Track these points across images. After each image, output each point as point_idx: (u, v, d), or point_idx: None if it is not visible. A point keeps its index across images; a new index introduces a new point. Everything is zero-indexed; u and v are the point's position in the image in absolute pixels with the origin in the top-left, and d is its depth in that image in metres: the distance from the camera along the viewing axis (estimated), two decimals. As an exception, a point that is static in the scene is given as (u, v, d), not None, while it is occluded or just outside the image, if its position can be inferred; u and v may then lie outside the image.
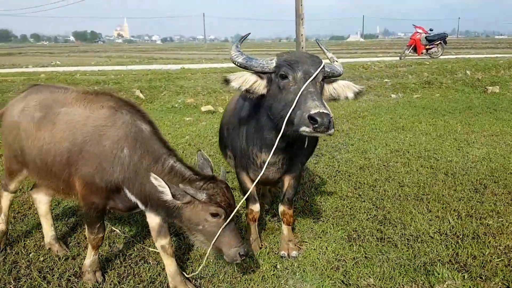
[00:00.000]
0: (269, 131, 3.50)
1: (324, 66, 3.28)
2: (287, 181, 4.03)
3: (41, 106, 3.54)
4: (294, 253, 4.06)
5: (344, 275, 3.77)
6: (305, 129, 2.94)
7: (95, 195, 3.33)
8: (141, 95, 12.68)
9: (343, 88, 3.52)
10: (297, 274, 3.77)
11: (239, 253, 3.13)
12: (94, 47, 71.81)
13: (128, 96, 12.50)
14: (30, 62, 23.23)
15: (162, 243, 3.53)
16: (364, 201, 5.35)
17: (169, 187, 2.98)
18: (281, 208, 4.15)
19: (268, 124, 3.49)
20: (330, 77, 3.45)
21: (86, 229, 3.56)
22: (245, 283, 3.66)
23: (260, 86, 3.34)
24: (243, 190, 4.12)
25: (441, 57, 20.79)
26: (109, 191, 3.31)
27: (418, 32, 20.80)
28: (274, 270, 3.84)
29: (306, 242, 4.37)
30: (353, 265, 3.92)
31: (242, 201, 3.72)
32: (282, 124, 3.16)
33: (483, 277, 3.70)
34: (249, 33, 3.99)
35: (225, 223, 3.10)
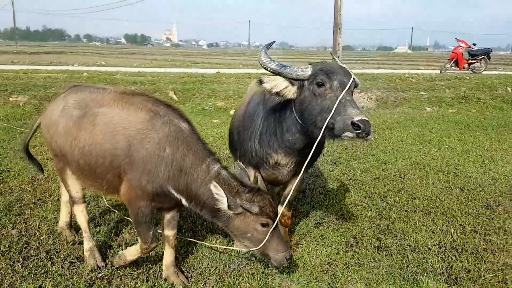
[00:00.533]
0: (292, 133, 3.67)
1: (354, 78, 3.45)
2: (291, 183, 4.14)
3: (80, 106, 3.58)
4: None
5: (332, 278, 3.85)
6: (348, 134, 3.12)
7: (142, 199, 3.37)
8: (174, 97, 13.10)
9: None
10: (284, 273, 3.87)
11: (285, 257, 3.36)
12: (142, 49, 74.05)
13: (162, 97, 12.96)
14: (78, 61, 24.38)
15: (168, 233, 3.71)
16: (371, 210, 5.37)
17: (227, 197, 3.16)
18: (280, 209, 4.18)
19: (292, 127, 3.65)
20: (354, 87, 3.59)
21: (139, 239, 3.55)
22: (234, 278, 3.79)
23: (290, 91, 3.51)
24: None
25: (484, 72, 20.16)
26: (155, 193, 3.36)
27: (460, 46, 20.27)
28: (264, 268, 3.96)
29: (302, 245, 4.46)
30: (343, 269, 3.98)
31: (283, 207, 4.02)
32: (315, 128, 3.37)
33: (472, 291, 3.68)
34: (275, 41, 4.26)
35: (270, 230, 3.32)
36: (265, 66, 3.52)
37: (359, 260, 4.16)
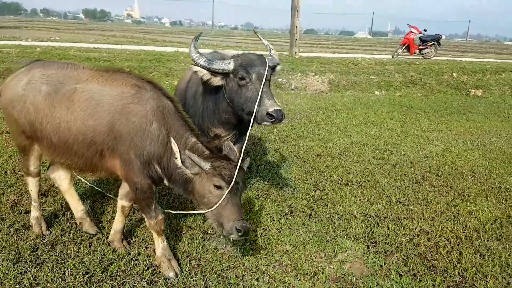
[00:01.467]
0: (226, 113, 4.19)
1: (268, 65, 3.95)
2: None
3: (49, 81, 3.48)
4: None
5: (264, 241, 4.21)
6: (266, 123, 3.81)
7: (135, 174, 3.37)
8: (130, 74, 13.05)
9: (277, 71, 4.37)
10: (220, 237, 4.19)
11: (236, 227, 3.18)
12: (101, 25, 71.80)
13: (117, 74, 12.91)
14: (32, 36, 23.58)
15: (125, 204, 3.85)
16: (308, 183, 5.76)
17: (180, 153, 3.22)
18: None
19: (226, 109, 4.16)
20: (273, 68, 4.15)
21: (145, 217, 3.57)
22: (173, 242, 4.08)
23: (216, 81, 4.00)
24: None
25: (434, 58, 21.04)
26: (144, 167, 3.37)
27: (412, 32, 21.02)
28: (203, 234, 4.27)
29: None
30: (275, 234, 4.35)
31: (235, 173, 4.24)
32: (243, 113, 3.96)
33: (387, 252, 4.13)
34: (201, 32, 4.83)
35: (224, 196, 3.22)
36: (195, 62, 3.94)
37: (291, 226, 4.54)
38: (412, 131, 9.00)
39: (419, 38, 21.30)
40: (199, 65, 3.92)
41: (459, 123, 10.12)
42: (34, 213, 4.08)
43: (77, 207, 4.17)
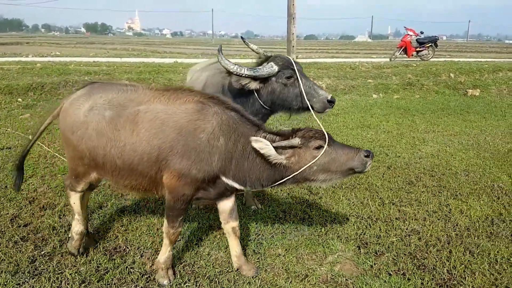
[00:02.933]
0: (258, 115, 4.34)
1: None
2: None
3: (112, 105, 3.48)
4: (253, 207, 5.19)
5: (257, 246, 4.29)
6: (328, 110, 4.25)
7: (188, 186, 3.41)
8: (129, 87, 13.21)
9: None
10: (214, 243, 4.29)
11: (362, 156, 3.32)
12: (102, 39, 72.56)
13: (116, 87, 13.08)
14: (33, 52, 23.91)
15: (233, 225, 3.79)
16: (303, 188, 5.85)
17: (270, 143, 3.28)
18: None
19: (259, 110, 4.38)
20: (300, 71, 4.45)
21: (167, 224, 3.59)
22: (168, 249, 4.18)
23: (253, 84, 4.19)
24: None
25: (432, 59, 21.13)
26: (204, 181, 3.42)
27: (409, 35, 21.15)
28: (197, 240, 4.37)
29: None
30: (268, 238, 4.44)
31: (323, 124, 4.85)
32: (291, 110, 4.36)
33: (378, 252, 4.21)
34: (221, 45, 5.08)
35: (325, 147, 3.31)
36: (238, 73, 4.09)
37: (284, 230, 4.63)
38: (408, 133, 9.08)
39: (416, 40, 21.43)
40: (243, 75, 4.09)
41: (456, 123, 10.18)
42: (78, 228, 3.95)
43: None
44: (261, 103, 4.31)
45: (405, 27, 21.69)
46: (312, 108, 4.14)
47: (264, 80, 4.21)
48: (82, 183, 3.81)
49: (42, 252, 4.05)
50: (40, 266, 3.82)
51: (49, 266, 3.83)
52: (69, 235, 4.03)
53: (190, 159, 3.33)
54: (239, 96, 4.35)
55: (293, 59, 4.39)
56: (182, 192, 3.44)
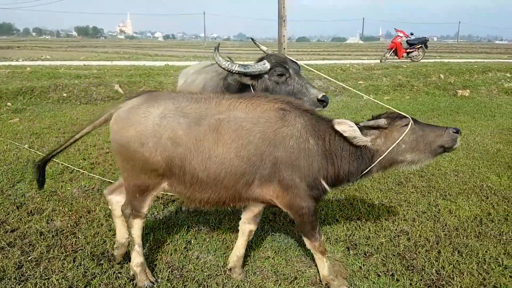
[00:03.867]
0: None
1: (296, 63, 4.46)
2: None
3: (187, 113, 3.28)
4: None
5: (248, 249, 4.27)
6: (318, 109, 4.05)
7: (300, 197, 3.33)
8: (120, 90, 13.17)
9: None
10: (203, 246, 4.27)
11: (451, 132, 3.37)
12: (94, 42, 72.22)
13: (107, 91, 13.04)
14: (24, 56, 23.74)
15: (252, 228, 3.82)
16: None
17: (355, 124, 3.33)
18: None
19: None
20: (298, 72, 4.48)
21: (308, 240, 3.54)
22: (156, 254, 4.15)
23: (246, 80, 4.32)
24: None
25: (422, 60, 21.26)
26: (312, 187, 3.36)
27: (399, 36, 21.29)
28: (186, 244, 4.34)
29: (225, 221, 4.86)
30: (258, 241, 4.42)
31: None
32: None
33: (367, 253, 4.21)
34: (219, 43, 5.09)
35: (410, 124, 3.36)
36: (229, 70, 4.19)
37: (273, 232, 4.62)
38: (398, 134, 9.10)
39: (406, 41, 21.57)
40: (235, 71, 4.20)
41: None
42: (138, 260, 3.65)
43: (124, 235, 3.90)
44: None
45: (395, 29, 21.84)
46: None
47: (258, 77, 4.30)
48: (149, 200, 3.52)
49: (29, 258, 4.01)
50: (26, 272, 3.78)
51: (36, 271, 3.79)
52: (131, 273, 3.72)
53: (288, 169, 3.26)
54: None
55: (290, 58, 4.46)
56: (299, 205, 3.36)
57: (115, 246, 4.01)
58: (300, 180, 3.28)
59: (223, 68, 4.22)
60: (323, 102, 4.12)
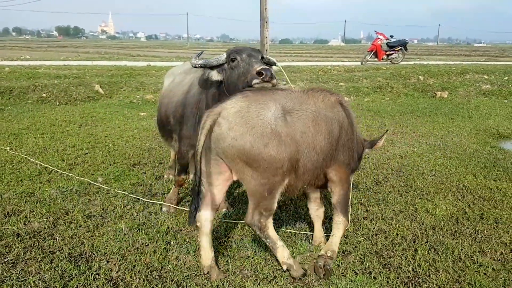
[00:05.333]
0: None
1: (260, 51, 4.48)
2: None
3: (286, 110, 3.51)
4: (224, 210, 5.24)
5: (226, 248, 4.29)
6: (256, 81, 3.98)
7: (348, 177, 4.04)
8: (100, 90, 13.05)
9: (274, 70, 4.54)
10: (182, 247, 4.27)
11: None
12: (75, 42, 71.38)
13: (87, 91, 12.90)
14: (3, 56, 23.32)
15: (323, 209, 4.48)
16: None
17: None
18: None
19: None
20: (266, 63, 4.48)
21: (343, 218, 4.07)
22: (135, 255, 4.13)
23: (213, 75, 4.44)
24: (183, 165, 5.14)
25: (402, 63, 21.56)
26: (354, 162, 4.14)
27: (379, 38, 21.57)
28: (166, 245, 4.33)
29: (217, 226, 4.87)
30: (238, 240, 4.44)
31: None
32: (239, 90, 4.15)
33: (345, 252, 4.26)
34: (203, 51, 5.30)
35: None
36: (194, 65, 4.50)
37: (253, 232, 4.61)
38: (377, 135, 9.19)
39: (386, 44, 21.84)
40: (197, 65, 4.46)
41: (424, 125, 10.42)
42: (286, 252, 3.82)
43: (210, 254, 3.81)
44: (226, 92, 4.37)
45: (375, 31, 22.11)
46: (249, 85, 4.04)
47: (221, 70, 4.42)
48: (278, 195, 3.61)
49: (5, 260, 3.95)
50: (3, 274, 3.72)
51: (12, 273, 3.73)
52: (284, 267, 3.79)
53: (345, 150, 3.91)
54: (216, 94, 4.55)
55: (255, 48, 4.50)
56: (349, 182, 4.04)
57: (205, 272, 3.79)
58: (350, 160, 4.00)
59: (192, 65, 4.51)
60: (260, 74, 3.92)
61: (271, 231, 3.71)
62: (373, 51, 21.56)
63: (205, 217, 3.74)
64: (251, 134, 3.33)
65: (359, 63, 22.06)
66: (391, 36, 22.09)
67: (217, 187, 3.70)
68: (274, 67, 4.75)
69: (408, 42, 22.52)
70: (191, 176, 6.28)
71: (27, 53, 27.68)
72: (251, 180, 3.49)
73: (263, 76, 3.92)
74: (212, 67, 4.44)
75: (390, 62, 21.60)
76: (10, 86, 12.18)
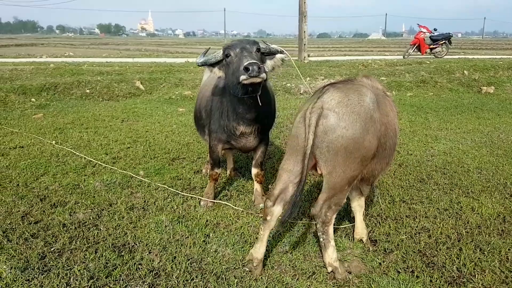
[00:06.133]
0: (238, 105, 4.51)
1: (257, 43, 4.35)
2: (260, 148, 5.09)
3: (373, 98, 3.51)
4: (261, 204, 5.09)
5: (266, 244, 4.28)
6: (243, 77, 3.91)
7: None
8: (141, 86, 13.33)
9: (279, 59, 4.50)
10: (221, 240, 4.29)
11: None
12: (116, 40, 73.30)
13: (128, 87, 13.21)
14: (47, 53, 24.23)
15: (361, 201, 4.40)
16: (312, 186, 5.83)
17: None
18: (254, 170, 5.22)
19: (233, 100, 4.49)
20: (268, 53, 4.44)
21: (363, 194, 4.29)
22: (176, 247, 4.18)
23: (216, 72, 4.50)
24: (215, 159, 5.17)
25: (446, 57, 20.88)
26: None
27: (422, 32, 20.94)
28: (204, 237, 4.37)
29: (243, 216, 4.88)
30: (276, 236, 4.42)
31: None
32: (235, 88, 4.22)
33: (387, 250, 4.17)
34: (209, 48, 5.25)
35: None
36: (197, 64, 4.52)
37: (291, 227, 4.61)
38: (421, 131, 8.98)
39: (430, 37, 21.19)
40: (199, 64, 4.50)
41: (469, 121, 10.05)
42: (335, 254, 3.79)
43: (264, 248, 3.81)
44: (229, 90, 4.42)
45: (418, 24, 21.49)
46: (238, 82, 4.03)
47: (221, 66, 4.44)
48: (354, 183, 3.68)
49: (52, 249, 4.10)
50: (49, 263, 3.86)
51: (58, 262, 3.86)
52: (329, 269, 3.74)
53: (394, 138, 3.82)
54: (224, 90, 4.71)
55: (250, 40, 4.38)
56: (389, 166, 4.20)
57: (253, 264, 3.76)
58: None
59: (197, 64, 4.56)
60: (247, 70, 3.84)
61: (331, 228, 3.67)
62: (416, 45, 20.97)
63: (277, 212, 3.71)
64: (360, 122, 3.34)
65: (400, 57, 21.52)
66: (435, 30, 21.40)
67: (293, 182, 3.62)
68: (281, 56, 4.50)
69: (452, 36, 21.78)
70: (228, 171, 6.33)
71: (71, 50, 28.62)
72: (342, 173, 3.43)
73: (250, 71, 3.85)
74: (212, 65, 4.45)
75: (433, 56, 20.95)
76: (55, 82, 12.62)
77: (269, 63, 4.46)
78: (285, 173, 3.63)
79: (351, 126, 3.32)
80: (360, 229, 4.33)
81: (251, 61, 3.89)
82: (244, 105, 4.48)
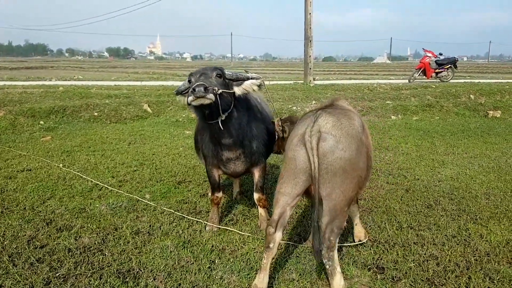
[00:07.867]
0: (211, 131, 4.63)
1: (219, 69, 4.43)
2: (256, 172, 5.04)
3: (361, 123, 3.90)
4: None
5: (271, 270, 4.23)
6: (190, 98, 3.96)
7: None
8: (148, 109, 13.45)
9: (250, 85, 4.53)
10: (227, 267, 4.25)
11: None
12: (125, 63, 74.24)
13: (136, 110, 13.32)
14: (57, 76, 24.57)
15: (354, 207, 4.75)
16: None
17: None
18: (255, 195, 5.17)
19: (205, 126, 4.66)
20: (234, 80, 4.49)
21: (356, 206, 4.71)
22: (181, 273, 4.15)
23: (178, 99, 4.63)
24: (213, 183, 5.15)
25: (452, 81, 20.93)
26: None
27: (427, 56, 21.08)
28: (210, 264, 4.33)
29: (249, 242, 4.84)
30: (283, 263, 4.38)
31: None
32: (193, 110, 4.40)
33: (395, 278, 4.10)
34: (185, 83, 5.26)
35: None
36: (174, 93, 4.70)
37: (298, 254, 4.56)
38: (428, 155, 8.95)
39: (435, 61, 21.31)
40: (174, 92, 4.67)
41: (476, 145, 10.00)
42: (343, 282, 3.77)
43: (267, 277, 3.82)
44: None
45: (423, 49, 21.65)
46: (188, 103, 4.08)
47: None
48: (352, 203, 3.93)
49: (57, 274, 4.07)
50: (54, 288, 3.84)
51: (63, 288, 3.84)
52: None
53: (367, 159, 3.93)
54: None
55: (212, 67, 4.45)
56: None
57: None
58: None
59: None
60: (194, 91, 3.87)
61: (335, 253, 3.63)
62: (422, 69, 21.06)
63: (279, 238, 3.67)
64: (354, 143, 3.50)
65: (406, 81, 21.61)
66: (440, 54, 21.53)
67: (290, 205, 3.64)
68: (252, 81, 4.52)
69: (457, 60, 21.87)
70: (234, 194, 6.32)
71: (80, 73, 28.99)
72: (341, 193, 3.48)
73: (195, 92, 3.89)
74: (183, 93, 4.50)
75: (439, 80, 21.02)
76: (63, 105, 12.77)
77: (236, 89, 4.47)
78: (282, 197, 3.62)
79: (348, 148, 3.46)
80: (357, 232, 4.80)
81: (198, 83, 3.96)
82: (214, 131, 4.52)
